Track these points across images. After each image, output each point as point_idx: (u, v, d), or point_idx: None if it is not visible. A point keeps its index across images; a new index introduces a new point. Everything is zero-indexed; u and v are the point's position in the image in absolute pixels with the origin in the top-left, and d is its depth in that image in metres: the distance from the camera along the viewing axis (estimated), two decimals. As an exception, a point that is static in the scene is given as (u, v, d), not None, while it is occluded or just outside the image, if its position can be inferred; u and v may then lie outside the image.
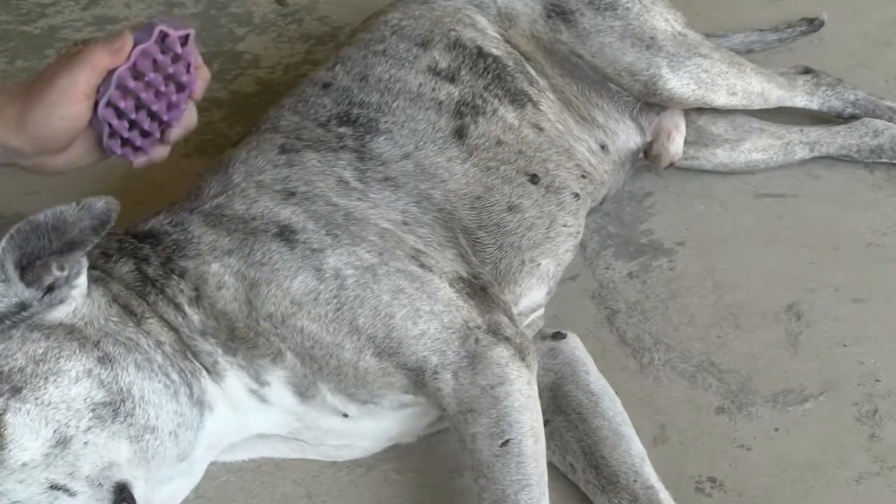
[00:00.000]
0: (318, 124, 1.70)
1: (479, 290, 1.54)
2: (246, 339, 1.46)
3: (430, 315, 1.46)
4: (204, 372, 1.46)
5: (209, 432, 1.46)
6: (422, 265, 1.51)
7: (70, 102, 1.40)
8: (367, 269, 1.47)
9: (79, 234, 1.35)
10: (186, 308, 1.46)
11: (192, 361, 1.45)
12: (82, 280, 1.40)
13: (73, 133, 1.44)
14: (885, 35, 2.38)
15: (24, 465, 1.27)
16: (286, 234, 1.49)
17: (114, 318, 1.41)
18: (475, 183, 1.68)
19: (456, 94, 1.76)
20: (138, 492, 1.34)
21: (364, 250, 1.49)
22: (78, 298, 1.39)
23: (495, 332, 1.48)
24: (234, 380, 1.47)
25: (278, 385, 1.48)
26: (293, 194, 1.55)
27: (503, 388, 1.44)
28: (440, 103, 1.74)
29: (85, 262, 1.40)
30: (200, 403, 1.44)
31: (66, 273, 1.38)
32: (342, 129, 1.68)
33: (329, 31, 2.56)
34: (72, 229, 1.35)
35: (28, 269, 1.36)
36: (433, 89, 1.75)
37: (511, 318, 1.55)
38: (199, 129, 2.27)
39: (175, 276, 1.47)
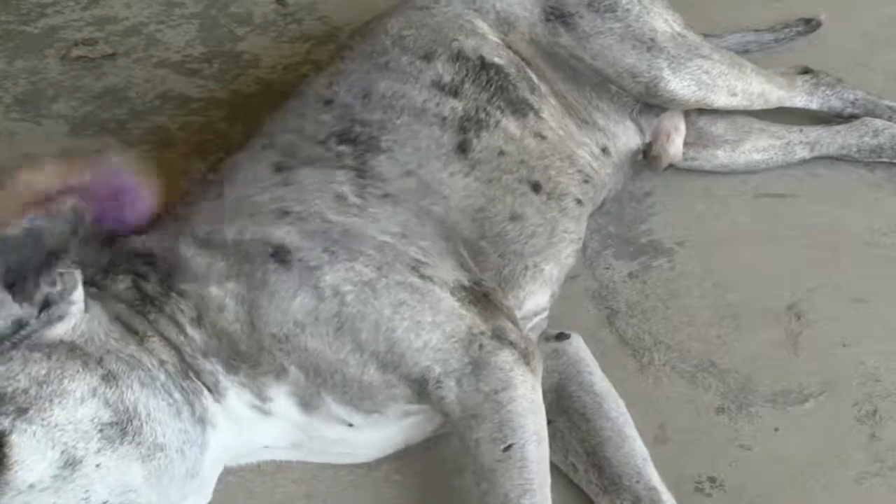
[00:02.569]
0: (317, 142, 1.67)
1: (482, 297, 1.53)
2: (249, 356, 1.45)
3: (433, 326, 1.46)
4: (205, 391, 1.45)
5: (214, 448, 1.45)
6: (422, 276, 1.50)
7: None
8: (365, 283, 1.46)
9: (58, 242, 1.34)
10: (188, 328, 1.45)
11: (193, 381, 1.44)
12: (78, 295, 1.39)
13: None
14: (884, 35, 2.38)
15: (31, 486, 1.26)
16: (281, 255, 1.47)
17: (115, 336, 1.41)
18: (477, 196, 1.67)
19: (460, 108, 1.74)
20: None
21: (362, 264, 1.48)
22: (76, 315, 1.39)
23: (500, 336, 1.48)
24: (236, 398, 1.46)
25: (282, 398, 1.48)
26: (287, 214, 1.53)
27: (507, 392, 1.44)
28: (444, 119, 1.72)
29: (79, 277, 1.39)
30: (203, 421, 1.43)
31: (59, 288, 1.37)
32: (342, 148, 1.66)
33: (329, 31, 2.56)
34: (49, 238, 1.33)
35: (16, 286, 1.34)
36: (437, 104, 1.74)
37: (515, 322, 1.54)
38: (199, 129, 2.30)
39: (174, 295, 1.46)
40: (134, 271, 1.49)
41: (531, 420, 1.44)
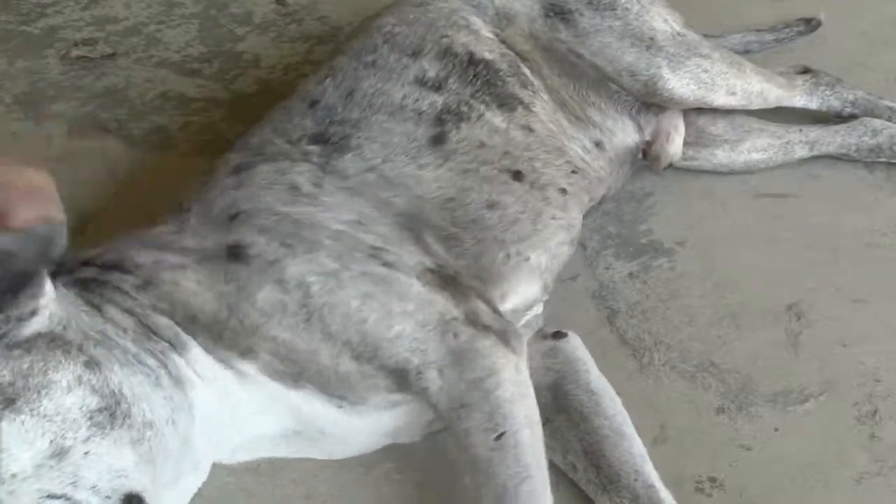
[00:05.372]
0: (288, 141, 1.68)
1: (450, 280, 1.53)
2: (227, 343, 1.45)
3: (403, 315, 1.46)
4: (169, 347, 1.44)
5: (200, 409, 1.44)
6: (384, 263, 1.50)
7: None
8: (329, 275, 1.46)
9: (27, 264, 1.32)
10: (133, 292, 1.45)
11: (156, 341, 1.44)
12: (48, 288, 1.38)
13: None
14: (883, 35, 2.38)
15: (13, 475, 1.25)
16: (236, 253, 1.47)
17: (85, 310, 1.41)
18: (449, 186, 1.68)
19: (440, 102, 1.75)
20: (152, 501, 1.33)
21: (323, 255, 1.48)
22: (49, 306, 1.37)
23: (474, 321, 1.48)
24: (201, 353, 1.45)
25: (253, 370, 1.47)
26: (237, 215, 1.53)
27: (492, 379, 1.43)
28: (421, 113, 1.73)
29: (45, 273, 1.37)
30: (180, 382, 1.43)
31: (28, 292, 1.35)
32: (311, 147, 1.67)
33: (329, 31, 2.56)
34: (19, 260, 1.32)
35: None
36: (416, 100, 1.75)
37: (488, 302, 1.54)
38: (199, 129, 2.30)
39: (116, 273, 1.46)
40: (83, 280, 1.47)
41: (521, 405, 1.43)
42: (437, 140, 1.71)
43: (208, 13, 2.67)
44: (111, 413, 1.33)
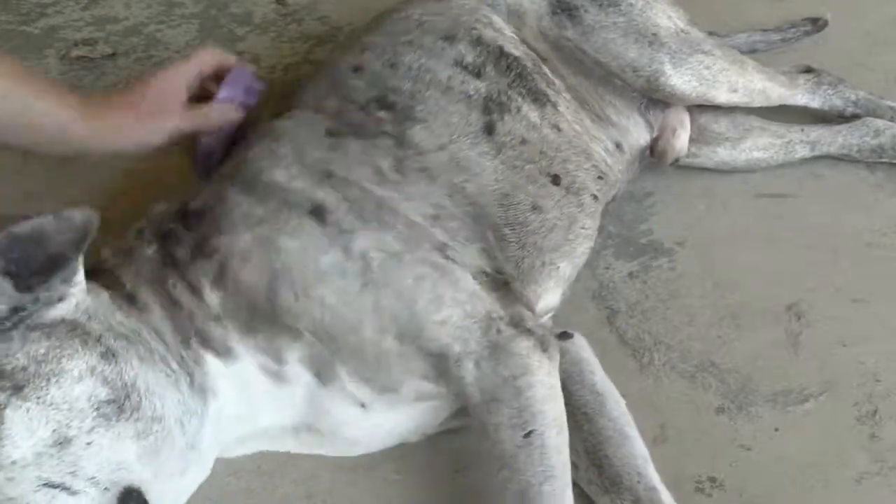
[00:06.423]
0: (359, 107, 1.71)
1: (502, 285, 1.55)
2: (266, 314, 1.47)
3: (453, 303, 1.48)
4: (210, 358, 1.46)
5: (216, 418, 1.45)
6: (446, 256, 1.53)
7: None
8: (392, 254, 1.49)
9: (59, 248, 1.34)
10: (206, 290, 1.47)
11: (195, 349, 1.45)
12: (80, 277, 1.39)
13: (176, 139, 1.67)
14: (885, 35, 2.38)
15: (13, 462, 1.26)
16: (319, 213, 1.51)
17: (120, 309, 1.42)
18: (504, 180, 1.69)
19: (483, 89, 1.76)
20: (152, 495, 1.34)
21: (391, 237, 1.51)
22: (78, 294, 1.39)
23: (517, 324, 1.49)
24: (249, 361, 1.47)
25: (296, 364, 1.49)
26: (331, 176, 1.57)
27: (525, 378, 1.45)
28: (469, 97, 1.75)
29: (80, 259, 1.39)
30: (203, 390, 1.44)
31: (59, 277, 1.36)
32: (381, 114, 1.70)
33: (329, 31, 2.56)
34: (52, 242, 1.33)
35: (18, 278, 1.34)
36: (462, 82, 1.76)
37: (532, 311, 1.56)
38: (198, 128, 2.29)
39: (201, 259, 1.48)
40: (165, 234, 1.52)
41: (550, 406, 1.45)
42: (488, 130, 1.72)
43: (208, 13, 2.67)
44: (119, 405, 1.33)
